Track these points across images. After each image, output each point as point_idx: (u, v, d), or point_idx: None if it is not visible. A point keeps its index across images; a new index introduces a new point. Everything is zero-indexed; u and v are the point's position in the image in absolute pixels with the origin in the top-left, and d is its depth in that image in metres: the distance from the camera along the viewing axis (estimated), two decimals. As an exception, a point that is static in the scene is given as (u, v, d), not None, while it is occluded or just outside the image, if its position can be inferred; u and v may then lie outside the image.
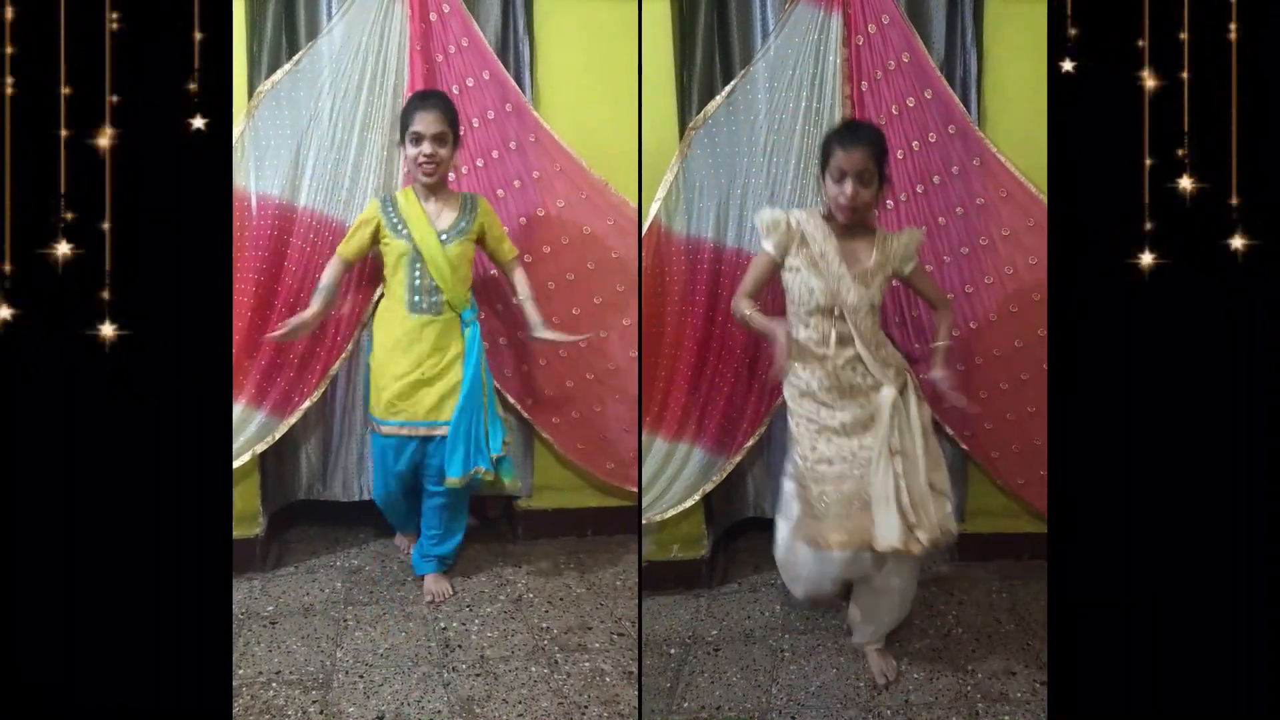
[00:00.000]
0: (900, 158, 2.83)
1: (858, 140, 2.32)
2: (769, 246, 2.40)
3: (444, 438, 2.70)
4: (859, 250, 2.40)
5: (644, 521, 2.88)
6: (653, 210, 2.88)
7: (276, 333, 2.62)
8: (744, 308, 2.44)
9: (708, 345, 2.94)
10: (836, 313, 2.36)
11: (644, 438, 2.92)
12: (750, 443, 3.00)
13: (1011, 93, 2.88)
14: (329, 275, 2.70)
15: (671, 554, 2.98)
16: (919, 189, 2.84)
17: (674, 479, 2.93)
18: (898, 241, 2.45)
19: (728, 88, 2.89)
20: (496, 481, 2.83)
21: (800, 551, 2.46)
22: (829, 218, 2.39)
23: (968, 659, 2.54)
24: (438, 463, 2.73)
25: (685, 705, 2.37)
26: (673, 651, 2.63)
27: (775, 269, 2.44)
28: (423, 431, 2.70)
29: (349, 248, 2.69)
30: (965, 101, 2.87)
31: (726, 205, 2.92)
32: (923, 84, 2.82)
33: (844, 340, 2.36)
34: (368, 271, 2.91)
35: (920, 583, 2.95)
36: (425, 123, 2.59)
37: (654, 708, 2.36)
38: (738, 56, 2.97)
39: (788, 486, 2.48)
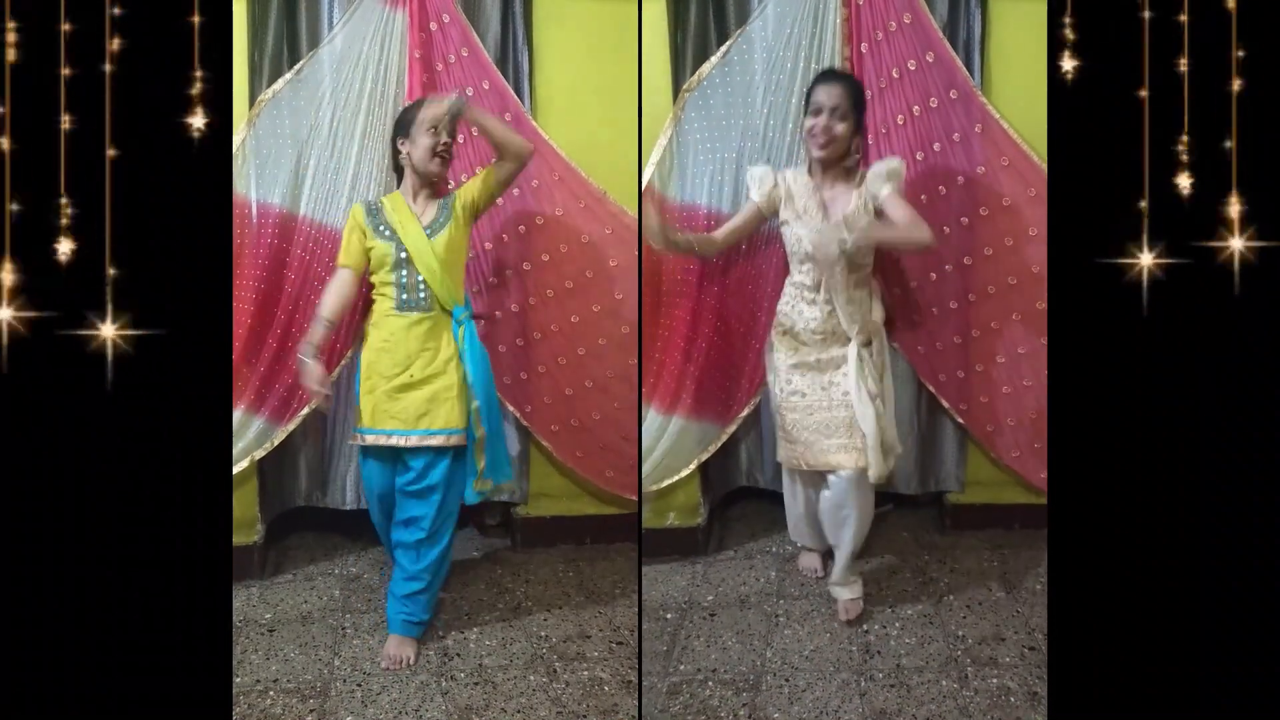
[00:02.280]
0: (900, 123, 2.77)
1: (836, 78, 2.52)
2: (756, 197, 2.60)
3: (435, 448, 2.49)
4: (839, 200, 2.53)
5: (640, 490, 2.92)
6: (646, 175, 2.83)
7: (312, 404, 2.60)
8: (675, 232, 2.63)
9: (701, 315, 2.92)
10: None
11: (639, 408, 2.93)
12: (745, 412, 3.01)
13: (1015, 56, 2.81)
14: (332, 296, 2.54)
15: (667, 521, 3.02)
16: (919, 156, 2.79)
17: (669, 450, 2.94)
18: (874, 170, 2.53)
19: (723, 48, 2.82)
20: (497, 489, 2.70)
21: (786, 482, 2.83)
22: (812, 173, 2.56)
23: (959, 625, 2.59)
24: (426, 480, 2.50)
25: (681, 668, 2.43)
26: (669, 616, 2.68)
27: (760, 221, 2.67)
28: (414, 441, 2.47)
29: (348, 256, 2.56)
30: (968, 65, 2.80)
31: (721, 170, 2.86)
32: (925, 46, 2.75)
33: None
34: (368, 279, 2.82)
35: (913, 550, 3.04)
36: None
37: (650, 670, 2.42)
38: (733, 16, 2.89)
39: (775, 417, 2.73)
